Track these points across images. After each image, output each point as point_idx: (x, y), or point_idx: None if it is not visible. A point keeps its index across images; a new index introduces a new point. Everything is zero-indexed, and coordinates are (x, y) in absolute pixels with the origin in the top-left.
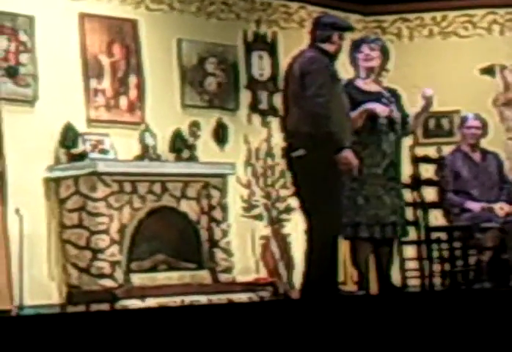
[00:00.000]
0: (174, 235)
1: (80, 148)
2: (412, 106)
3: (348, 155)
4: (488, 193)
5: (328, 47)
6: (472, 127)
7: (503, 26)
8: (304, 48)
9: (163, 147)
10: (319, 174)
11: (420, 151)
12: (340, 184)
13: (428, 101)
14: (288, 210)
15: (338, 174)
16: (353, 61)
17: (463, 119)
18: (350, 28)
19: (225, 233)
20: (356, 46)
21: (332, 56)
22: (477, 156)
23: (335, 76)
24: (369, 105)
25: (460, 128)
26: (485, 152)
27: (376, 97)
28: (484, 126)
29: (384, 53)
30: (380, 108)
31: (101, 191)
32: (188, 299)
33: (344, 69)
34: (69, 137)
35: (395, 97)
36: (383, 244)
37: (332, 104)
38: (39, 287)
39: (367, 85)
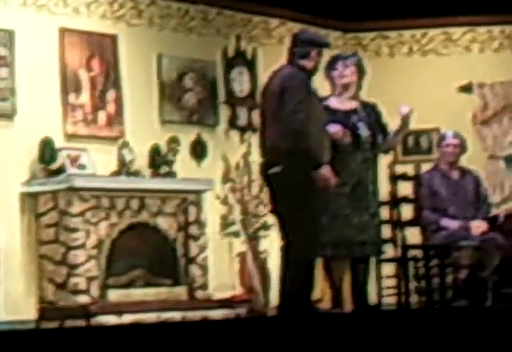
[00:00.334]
0: (151, 250)
1: (58, 163)
2: (391, 123)
3: (326, 171)
4: (465, 211)
5: (307, 63)
6: (451, 145)
7: (482, 45)
8: (282, 64)
9: (141, 162)
10: (296, 191)
11: (399, 168)
12: (318, 201)
13: (405, 119)
14: (265, 227)
15: (316, 191)
16: (329, 78)
17: (442, 137)
18: (328, 45)
19: (202, 249)
20: (331, 63)
21: (310, 73)
22: (455, 174)
23: (313, 92)
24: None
25: (438, 146)
26: (463, 171)
27: (346, 115)
28: (463, 144)
29: (360, 70)
30: (333, 129)
31: (78, 207)
32: (164, 315)
33: (321, 85)
34: (47, 152)
35: (374, 113)
36: (359, 262)
37: (311, 120)
38: (15, 302)
39: (341, 103)
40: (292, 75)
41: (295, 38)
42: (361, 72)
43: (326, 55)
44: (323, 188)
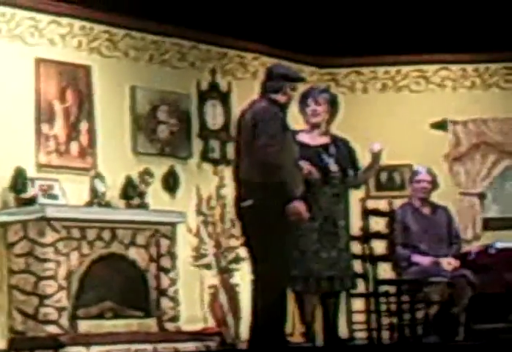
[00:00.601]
0: (122, 282)
1: (29, 193)
2: (364, 158)
3: (298, 205)
4: (437, 247)
5: (280, 97)
6: (423, 181)
7: (455, 82)
8: (255, 98)
9: (113, 193)
10: (268, 224)
11: (372, 204)
12: (289, 235)
13: (376, 156)
14: (237, 259)
15: (288, 224)
16: (302, 113)
17: (414, 173)
18: (302, 80)
19: (173, 281)
20: (303, 98)
21: (283, 107)
22: (426, 210)
23: (286, 126)
24: None
25: (411, 182)
26: (435, 207)
27: (315, 150)
28: (434, 180)
29: (332, 105)
30: (309, 168)
31: (50, 237)
32: (134, 347)
33: (294, 119)
34: (19, 181)
35: (346, 148)
36: (329, 296)
37: (284, 154)
38: None
39: (312, 138)
40: (265, 109)
41: (269, 72)
42: (333, 108)
43: (300, 88)
44: (295, 222)
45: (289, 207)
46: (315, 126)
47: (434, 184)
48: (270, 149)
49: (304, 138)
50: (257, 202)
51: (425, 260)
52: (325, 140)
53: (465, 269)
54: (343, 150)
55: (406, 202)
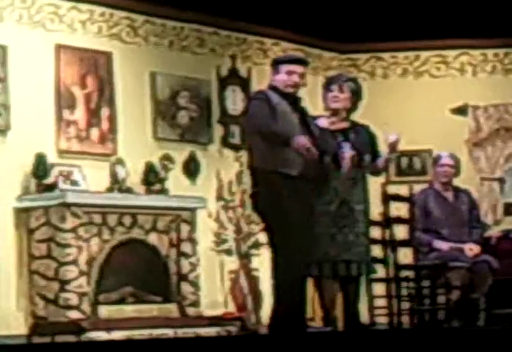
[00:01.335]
0: (143, 267)
1: (50, 179)
2: (384, 144)
3: (301, 139)
4: (458, 232)
5: (277, 82)
6: (446, 166)
7: (476, 67)
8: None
9: (134, 179)
10: (277, 208)
11: (393, 189)
12: (307, 220)
13: (393, 146)
14: (257, 245)
15: (304, 209)
16: (323, 98)
17: (437, 158)
18: (302, 62)
19: (194, 267)
20: (328, 83)
21: (281, 90)
22: (449, 195)
23: (278, 108)
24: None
25: (433, 166)
26: (457, 191)
27: (332, 134)
28: (457, 165)
29: (356, 96)
30: (300, 142)
31: (70, 222)
32: (155, 332)
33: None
34: (40, 167)
35: (366, 134)
36: (349, 281)
37: (273, 123)
38: (6, 317)
39: (330, 123)
40: (256, 95)
41: (273, 61)
42: (357, 97)
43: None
44: (308, 156)
45: (293, 144)
46: (334, 112)
47: (457, 169)
48: (253, 102)
49: (321, 122)
50: (261, 188)
51: (445, 246)
52: (344, 125)
53: (486, 255)
54: (363, 136)
55: (428, 187)
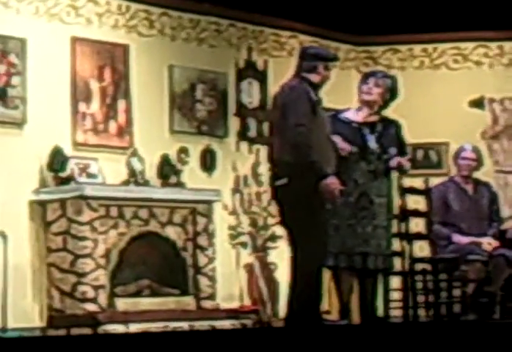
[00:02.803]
0: (159, 260)
1: (67, 171)
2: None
3: (331, 182)
4: (477, 226)
5: (313, 77)
6: (467, 159)
7: (493, 60)
8: (289, 78)
9: (150, 172)
10: (302, 203)
11: (408, 182)
12: (325, 213)
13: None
14: (273, 238)
15: (323, 203)
16: (358, 90)
17: (460, 150)
18: (336, 59)
19: (210, 260)
20: (366, 76)
21: (316, 86)
22: (470, 188)
23: (317, 105)
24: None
25: (455, 159)
26: (478, 184)
27: (359, 127)
28: (479, 159)
29: (391, 92)
30: (341, 146)
31: (87, 215)
32: (171, 325)
33: (328, 99)
34: (57, 160)
35: (395, 130)
36: (367, 275)
37: (314, 133)
38: (23, 309)
39: (359, 116)
40: (295, 88)
41: (303, 52)
42: (391, 95)
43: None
44: (329, 199)
45: (322, 185)
46: (365, 105)
47: (479, 162)
48: (299, 129)
49: (350, 114)
50: (291, 181)
51: (464, 240)
52: (373, 118)
53: (503, 248)
54: (391, 131)
55: (448, 179)
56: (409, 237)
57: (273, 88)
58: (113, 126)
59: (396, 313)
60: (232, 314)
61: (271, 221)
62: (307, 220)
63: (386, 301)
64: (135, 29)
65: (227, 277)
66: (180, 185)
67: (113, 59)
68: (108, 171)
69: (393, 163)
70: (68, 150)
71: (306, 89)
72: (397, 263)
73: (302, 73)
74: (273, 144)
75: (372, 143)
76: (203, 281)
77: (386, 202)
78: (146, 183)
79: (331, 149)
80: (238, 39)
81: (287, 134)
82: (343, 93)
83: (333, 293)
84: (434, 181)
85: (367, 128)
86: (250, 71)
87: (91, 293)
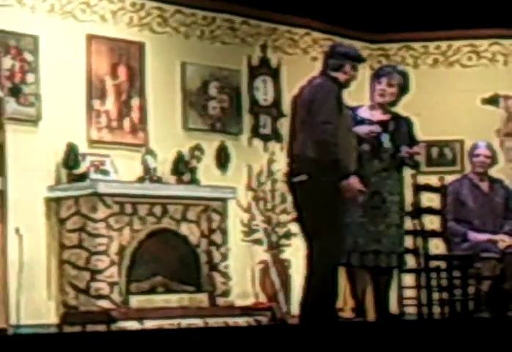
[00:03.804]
0: (174, 257)
1: (81, 169)
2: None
3: (353, 181)
4: (492, 223)
5: (340, 76)
6: (482, 156)
7: (507, 57)
8: (315, 75)
9: (164, 169)
10: (322, 199)
11: (423, 179)
12: (342, 210)
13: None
14: (288, 235)
15: (341, 200)
16: (371, 88)
17: (474, 147)
18: (363, 60)
19: (224, 257)
20: (377, 74)
21: (342, 85)
22: (484, 185)
23: (343, 104)
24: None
25: (469, 156)
26: (492, 181)
27: (371, 124)
28: (494, 156)
29: (403, 88)
30: (363, 130)
31: (101, 212)
32: (185, 322)
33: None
34: (71, 157)
35: (407, 127)
36: (381, 273)
37: (339, 131)
38: (37, 306)
39: (371, 113)
40: (322, 86)
41: (332, 50)
42: (403, 91)
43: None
44: (350, 198)
45: (343, 184)
46: (378, 105)
47: (493, 159)
48: (326, 126)
49: (364, 113)
50: (311, 178)
51: (479, 237)
52: (385, 117)
53: None
54: (403, 129)
55: (463, 176)
56: (424, 235)
57: (286, 85)
58: (127, 123)
59: (411, 310)
60: (246, 311)
61: (285, 217)
62: (325, 217)
63: (400, 298)
64: (149, 27)
65: (241, 274)
66: (194, 182)
67: (127, 57)
68: (123, 168)
69: (404, 153)
70: (83, 147)
71: (333, 88)
72: (412, 261)
73: (329, 71)
74: (294, 139)
75: (386, 141)
76: (217, 278)
77: (399, 200)
78: (160, 180)
79: (353, 148)
80: (252, 36)
81: (312, 131)
82: (357, 90)
83: (346, 291)
84: (449, 178)
85: (381, 127)
86: (264, 68)
87: (105, 290)
